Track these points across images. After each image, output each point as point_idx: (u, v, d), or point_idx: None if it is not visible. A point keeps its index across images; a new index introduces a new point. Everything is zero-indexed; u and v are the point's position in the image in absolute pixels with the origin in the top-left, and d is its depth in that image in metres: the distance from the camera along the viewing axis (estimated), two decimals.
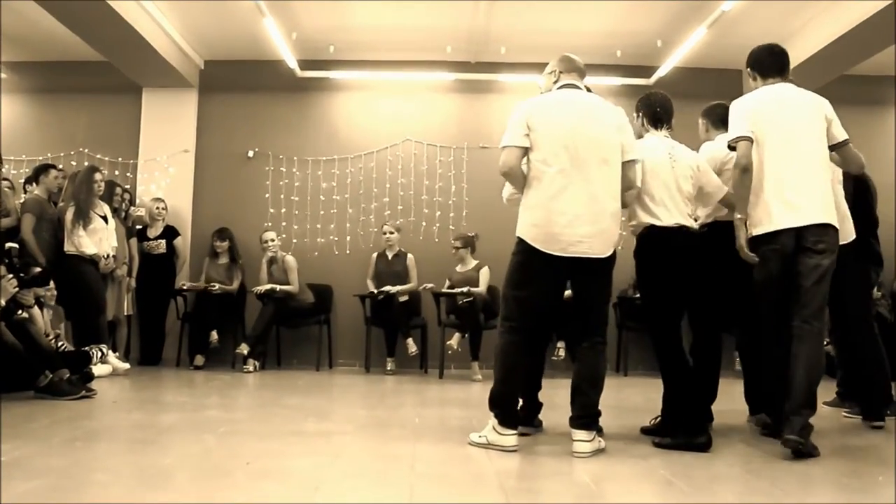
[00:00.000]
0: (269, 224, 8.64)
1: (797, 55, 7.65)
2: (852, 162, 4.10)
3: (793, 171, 3.79)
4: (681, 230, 3.96)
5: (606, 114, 3.71)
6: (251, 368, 7.59)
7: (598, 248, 3.56)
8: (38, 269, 5.96)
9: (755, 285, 3.90)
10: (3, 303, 5.16)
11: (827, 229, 3.76)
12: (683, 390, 3.93)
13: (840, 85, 8.06)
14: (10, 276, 5.35)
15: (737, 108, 3.97)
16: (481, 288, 7.42)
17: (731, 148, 3.93)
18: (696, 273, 4.02)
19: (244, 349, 7.57)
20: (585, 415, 3.59)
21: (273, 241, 8.12)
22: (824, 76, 7.91)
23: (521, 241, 3.61)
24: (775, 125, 3.85)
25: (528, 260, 3.59)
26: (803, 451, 3.50)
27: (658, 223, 3.94)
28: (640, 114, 4.28)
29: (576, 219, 3.51)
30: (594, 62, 8.61)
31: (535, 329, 3.82)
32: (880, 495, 2.92)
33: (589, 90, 3.91)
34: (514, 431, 3.64)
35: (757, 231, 3.85)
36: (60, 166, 8.11)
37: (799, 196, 3.76)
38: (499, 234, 7.58)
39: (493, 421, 3.67)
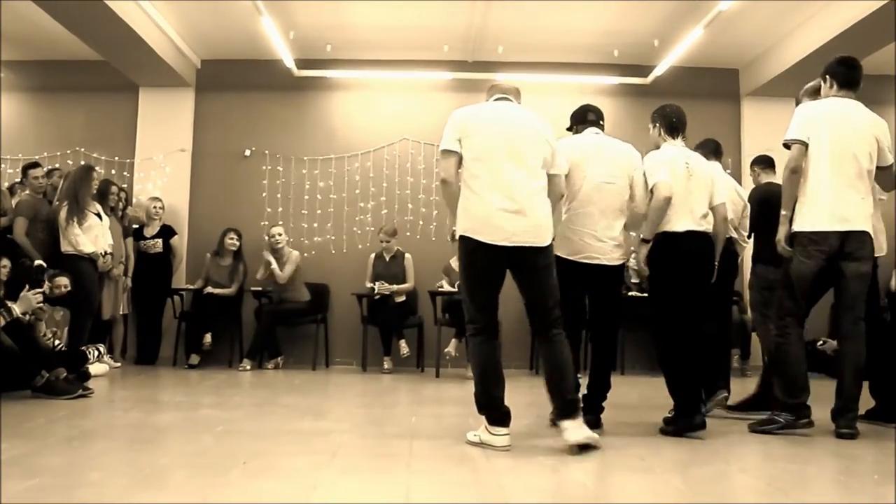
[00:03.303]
0: (269, 222, 8.64)
1: (794, 54, 7.66)
2: (887, 184, 4.44)
3: (843, 181, 4.13)
4: (692, 235, 4.25)
5: (534, 121, 3.86)
6: (248, 367, 7.62)
7: (537, 238, 3.67)
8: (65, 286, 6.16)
9: (792, 277, 4.23)
10: (19, 312, 5.15)
11: (866, 237, 4.15)
12: (686, 381, 4.17)
13: None
14: (38, 291, 5.37)
15: (800, 113, 4.32)
16: None
17: (786, 146, 4.29)
18: (705, 274, 4.35)
19: (247, 365, 7.67)
20: (565, 404, 3.65)
21: (281, 234, 8.13)
22: None
23: (464, 240, 3.71)
24: (833, 137, 4.17)
25: (475, 256, 3.69)
26: (855, 434, 4.04)
27: (671, 229, 4.24)
28: (657, 124, 4.54)
29: (514, 210, 3.63)
30: (591, 62, 8.69)
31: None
32: (877, 494, 2.93)
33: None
34: (505, 431, 3.65)
35: (804, 228, 4.18)
36: (57, 165, 8.15)
37: (847, 205, 4.12)
38: None
39: (486, 427, 3.71)
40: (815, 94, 4.63)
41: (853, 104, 4.31)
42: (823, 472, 3.33)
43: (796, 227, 4.22)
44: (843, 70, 4.38)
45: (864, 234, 4.14)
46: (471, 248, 3.68)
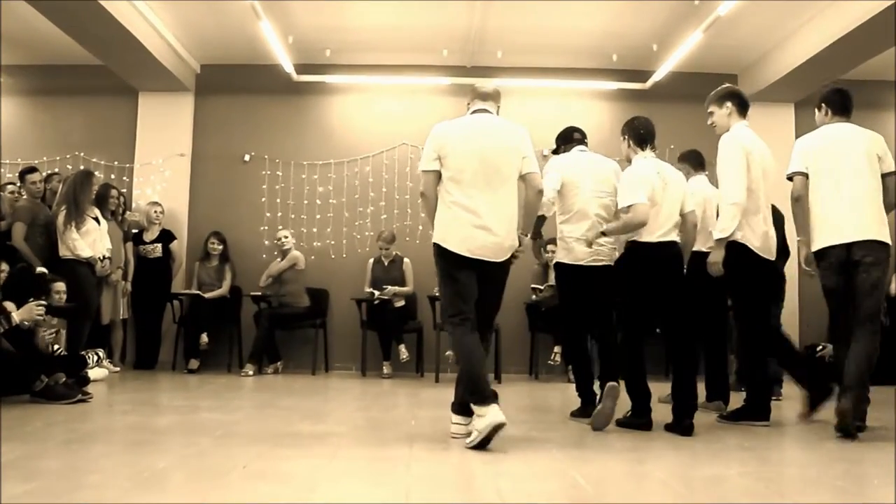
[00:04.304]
0: (269, 227, 8.65)
1: (793, 59, 7.68)
2: (890, 192, 4.51)
3: (841, 197, 4.38)
4: (665, 245, 4.48)
5: (507, 135, 4.12)
6: (250, 372, 7.64)
7: (497, 255, 4.02)
8: (61, 291, 6.07)
9: (823, 290, 4.51)
10: (19, 321, 5.15)
11: (873, 245, 4.32)
12: (640, 381, 4.49)
13: None
14: (41, 302, 5.36)
15: (798, 146, 4.63)
16: None
17: (790, 179, 4.58)
18: (676, 283, 4.53)
19: (249, 370, 7.67)
20: (462, 402, 3.99)
21: (286, 237, 8.18)
22: (821, 80, 7.91)
23: (438, 248, 4.06)
24: (829, 160, 4.47)
25: (447, 262, 4.04)
26: (852, 432, 4.10)
27: (641, 239, 4.47)
28: (626, 137, 4.77)
29: (479, 228, 3.97)
30: (590, 66, 8.70)
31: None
32: (878, 499, 2.92)
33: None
34: (493, 405, 3.71)
35: (815, 248, 4.49)
36: (56, 170, 8.16)
37: (845, 218, 4.36)
38: None
39: (475, 411, 3.76)
40: (724, 99, 4.80)
41: (848, 127, 4.57)
42: (823, 476, 3.32)
43: (811, 248, 4.51)
44: (837, 98, 4.66)
45: (871, 242, 4.31)
46: (442, 255, 4.05)
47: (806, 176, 4.50)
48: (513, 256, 4.11)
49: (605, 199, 4.79)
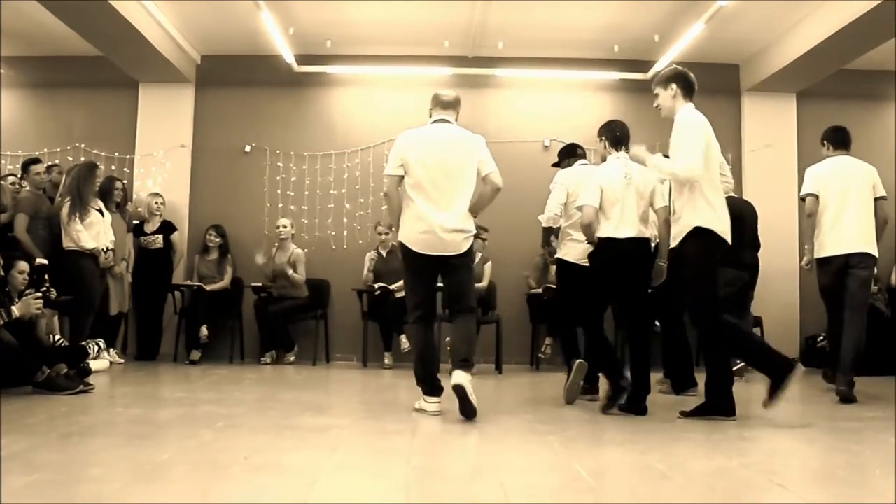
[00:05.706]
0: (270, 218, 8.64)
1: (794, 50, 7.66)
2: (879, 213, 5.56)
3: (845, 218, 5.44)
4: (631, 241, 4.75)
5: (465, 146, 4.64)
6: (268, 360, 7.95)
7: (455, 248, 4.53)
8: (68, 297, 6.03)
9: (820, 289, 5.68)
10: (18, 314, 5.15)
11: (866, 255, 5.43)
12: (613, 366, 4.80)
13: (839, 80, 8.07)
14: (38, 293, 5.36)
15: (809, 173, 5.68)
16: (484, 282, 7.39)
17: (802, 199, 5.70)
18: (641, 276, 4.86)
19: (268, 358, 8.03)
20: (463, 360, 4.40)
21: (286, 227, 8.20)
22: (822, 71, 7.91)
23: (404, 248, 4.59)
24: (834, 185, 5.52)
25: (413, 261, 4.57)
26: (851, 398, 5.12)
27: (608, 235, 4.76)
28: (603, 138, 5.09)
29: (439, 228, 4.47)
30: (591, 57, 8.68)
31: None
32: (879, 489, 2.92)
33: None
34: (436, 400, 4.54)
35: (819, 255, 5.57)
36: (57, 161, 8.15)
37: (845, 232, 5.43)
38: (499, 228, 7.57)
39: (425, 399, 4.56)
40: (669, 80, 4.68)
41: (848, 159, 5.63)
42: (825, 468, 3.33)
43: (815, 255, 5.59)
44: (836, 135, 5.72)
45: (864, 254, 5.40)
46: (407, 254, 4.58)
47: (816, 197, 5.52)
48: (477, 235, 4.75)
49: None
